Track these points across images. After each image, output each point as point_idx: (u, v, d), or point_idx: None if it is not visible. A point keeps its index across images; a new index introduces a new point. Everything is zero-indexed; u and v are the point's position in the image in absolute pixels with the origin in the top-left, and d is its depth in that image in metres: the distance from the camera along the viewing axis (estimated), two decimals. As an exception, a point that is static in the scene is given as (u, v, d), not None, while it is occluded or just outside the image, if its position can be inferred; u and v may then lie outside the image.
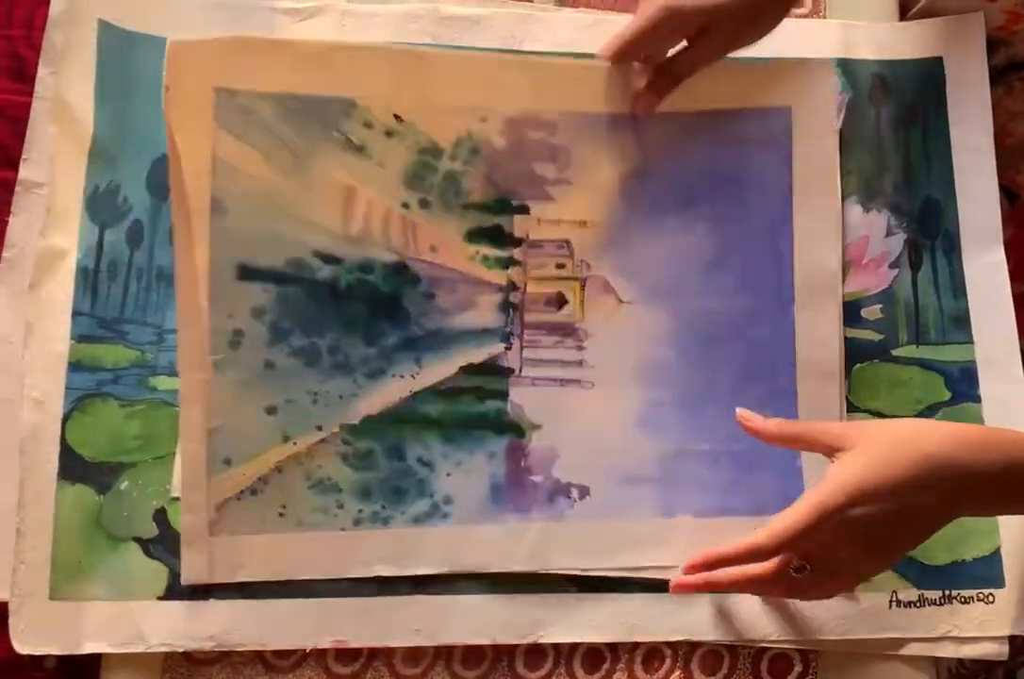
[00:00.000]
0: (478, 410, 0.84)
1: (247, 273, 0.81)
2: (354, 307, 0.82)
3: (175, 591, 0.79)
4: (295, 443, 0.81)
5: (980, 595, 0.83)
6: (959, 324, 0.88)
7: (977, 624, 0.83)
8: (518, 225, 0.85)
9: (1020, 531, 0.85)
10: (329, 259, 0.82)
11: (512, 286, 0.85)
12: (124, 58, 0.87)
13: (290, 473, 0.81)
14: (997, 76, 0.96)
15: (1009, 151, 0.99)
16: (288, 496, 0.81)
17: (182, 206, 0.79)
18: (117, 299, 0.84)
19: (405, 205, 0.83)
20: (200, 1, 0.89)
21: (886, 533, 0.68)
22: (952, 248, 0.90)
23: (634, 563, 0.82)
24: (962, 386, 0.87)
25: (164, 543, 0.80)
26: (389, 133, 0.83)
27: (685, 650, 0.83)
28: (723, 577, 0.72)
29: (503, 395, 0.84)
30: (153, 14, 0.88)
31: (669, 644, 0.83)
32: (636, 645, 0.83)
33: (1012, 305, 0.89)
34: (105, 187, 0.85)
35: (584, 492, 0.83)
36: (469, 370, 0.84)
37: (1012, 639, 0.83)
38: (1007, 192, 1.06)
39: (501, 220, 0.85)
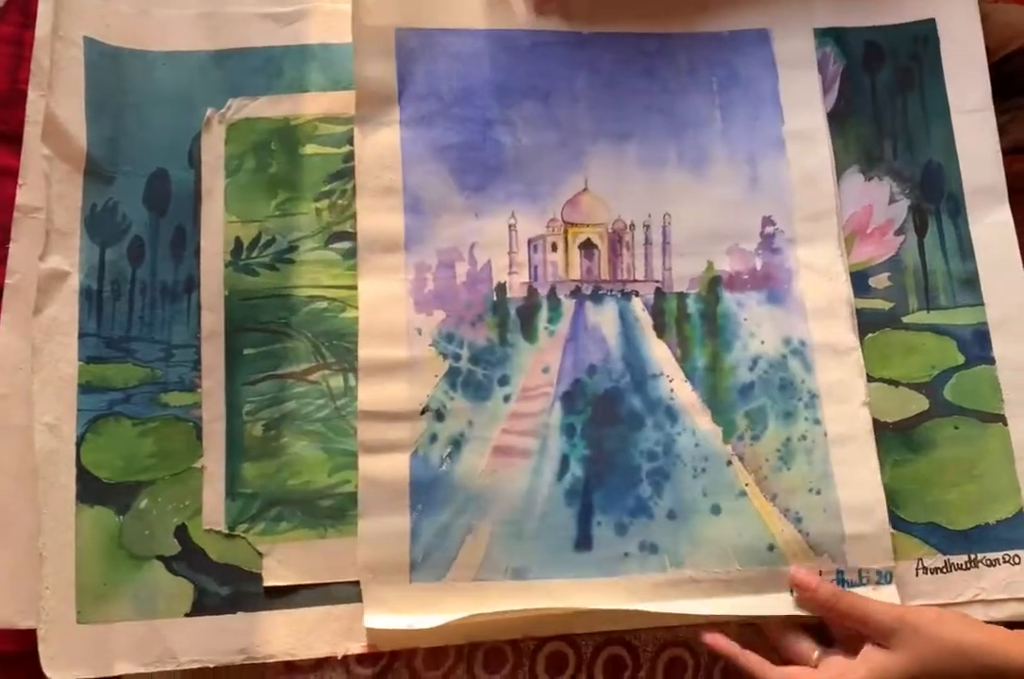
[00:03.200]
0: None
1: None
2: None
3: (201, 607, 0.75)
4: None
5: (1006, 557, 0.78)
6: (969, 286, 0.83)
7: (1004, 586, 0.78)
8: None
9: (1044, 490, 0.80)
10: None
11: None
12: (112, 74, 0.82)
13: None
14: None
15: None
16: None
17: None
18: (123, 317, 0.79)
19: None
20: (185, 13, 0.84)
21: None
22: (957, 211, 0.84)
23: None
24: (975, 349, 0.82)
25: (187, 559, 0.76)
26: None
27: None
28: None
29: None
30: (138, 28, 0.84)
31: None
32: (660, 650, 0.79)
33: (1021, 264, 0.83)
34: (103, 205, 0.80)
35: None
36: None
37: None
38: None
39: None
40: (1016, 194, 0.84)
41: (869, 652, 0.70)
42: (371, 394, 0.78)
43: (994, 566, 0.78)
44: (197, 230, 0.80)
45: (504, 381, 0.79)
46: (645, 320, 0.81)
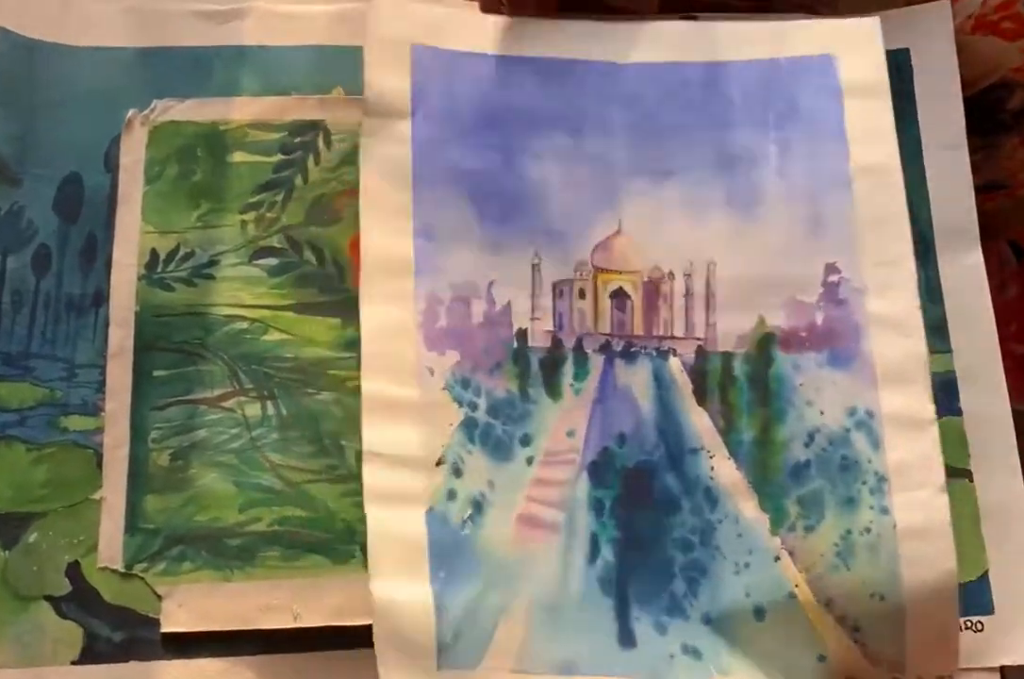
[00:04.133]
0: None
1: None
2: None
3: (91, 654, 0.68)
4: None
5: (968, 623, 0.72)
6: (937, 332, 0.77)
7: (966, 655, 0.71)
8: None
9: (1011, 552, 0.75)
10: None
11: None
12: (26, 68, 0.77)
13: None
14: (1012, 121, 0.87)
15: (1022, 203, 0.92)
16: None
17: None
18: (22, 332, 0.73)
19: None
20: (110, 7, 0.80)
21: None
22: (927, 252, 0.79)
23: None
24: (942, 399, 0.75)
25: (79, 600, 0.69)
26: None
27: None
28: None
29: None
30: (58, 21, 0.79)
31: None
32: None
33: (992, 311, 0.79)
34: (7, 209, 0.75)
35: None
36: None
37: (1003, 669, 0.73)
38: (1015, 248, 0.98)
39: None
40: (987, 234, 0.81)
41: None
42: (377, 434, 0.69)
43: (957, 634, 0.73)
44: (110, 240, 0.75)
45: (526, 441, 0.71)
46: (684, 383, 0.73)
